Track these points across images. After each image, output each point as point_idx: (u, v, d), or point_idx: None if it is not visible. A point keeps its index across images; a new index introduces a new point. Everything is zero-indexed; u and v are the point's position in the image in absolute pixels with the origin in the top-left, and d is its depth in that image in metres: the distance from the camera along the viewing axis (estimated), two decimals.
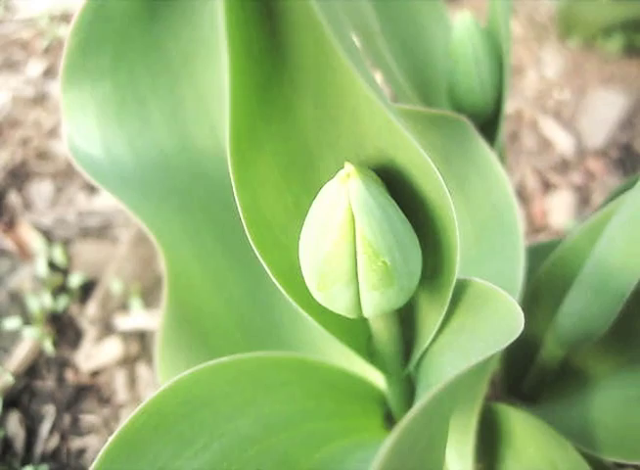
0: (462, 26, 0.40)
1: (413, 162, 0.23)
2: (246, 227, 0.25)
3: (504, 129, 0.43)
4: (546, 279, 0.43)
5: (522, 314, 0.24)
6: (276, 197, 0.26)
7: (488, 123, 0.43)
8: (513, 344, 0.45)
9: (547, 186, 0.84)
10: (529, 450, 0.40)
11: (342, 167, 0.23)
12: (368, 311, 0.26)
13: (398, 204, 0.24)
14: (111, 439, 0.25)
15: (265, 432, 0.30)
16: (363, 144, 0.24)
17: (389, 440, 0.18)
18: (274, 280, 0.27)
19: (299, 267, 0.27)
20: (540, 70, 0.98)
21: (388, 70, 0.42)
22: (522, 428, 0.41)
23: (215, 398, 0.29)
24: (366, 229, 0.22)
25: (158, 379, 0.65)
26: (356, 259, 0.23)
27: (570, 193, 0.83)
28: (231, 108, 0.21)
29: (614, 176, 0.85)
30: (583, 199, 0.83)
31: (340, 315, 0.31)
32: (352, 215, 0.22)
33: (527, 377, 0.46)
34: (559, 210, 0.81)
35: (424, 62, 0.47)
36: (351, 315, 0.27)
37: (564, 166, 0.87)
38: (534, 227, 0.79)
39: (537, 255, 0.44)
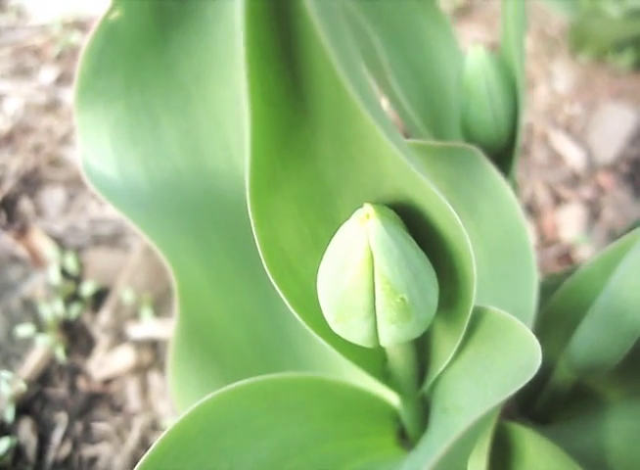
0: (475, 60, 0.40)
1: (430, 201, 0.23)
2: (263, 259, 0.26)
3: (517, 158, 0.44)
4: (560, 305, 0.43)
5: (539, 348, 0.25)
6: (294, 231, 0.26)
7: (502, 154, 0.44)
8: None
9: (558, 200, 0.85)
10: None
11: (360, 204, 0.23)
12: (385, 342, 0.27)
13: (415, 239, 0.25)
14: (137, 467, 0.25)
15: (283, 456, 0.30)
16: (381, 182, 0.24)
17: None
18: (291, 309, 0.28)
19: (315, 297, 0.28)
20: (551, 85, 0.99)
21: (396, 99, 0.43)
22: (533, 448, 0.41)
23: (234, 423, 0.30)
24: (384, 268, 0.23)
25: (170, 388, 0.66)
26: (374, 295, 0.24)
27: (580, 207, 0.83)
28: (251, 150, 0.22)
29: (623, 191, 0.85)
30: (594, 213, 0.83)
31: (354, 344, 0.31)
32: (371, 254, 0.22)
33: (540, 398, 0.46)
34: (569, 224, 0.82)
35: (434, 89, 0.47)
36: (368, 345, 0.27)
37: (574, 181, 0.87)
38: (545, 241, 0.80)
39: (555, 283, 0.44)
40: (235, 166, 0.41)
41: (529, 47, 1.04)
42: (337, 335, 0.29)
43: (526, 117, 0.94)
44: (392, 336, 0.26)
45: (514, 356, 0.26)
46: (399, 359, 0.32)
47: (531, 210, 0.83)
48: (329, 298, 0.25)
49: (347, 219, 0.24)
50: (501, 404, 0.40)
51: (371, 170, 0.24)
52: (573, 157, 0.89)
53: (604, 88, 0.97)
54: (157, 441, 0.27)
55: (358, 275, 0.23)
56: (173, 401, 0.42)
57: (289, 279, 0.27)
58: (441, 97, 0.46)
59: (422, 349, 0.34)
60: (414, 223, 0.25)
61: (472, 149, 0.37)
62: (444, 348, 0.32)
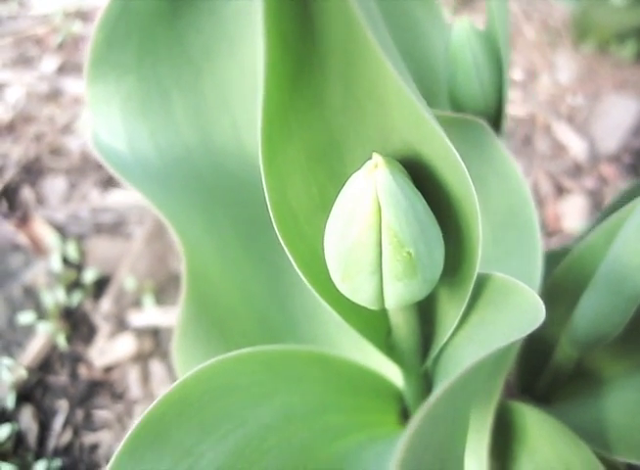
0: (460, 31, 0.41)
1: (439, 154, 0.23)
2: (273, 217, 0.26)
3: (505, 130, 0.44)
4: (560, 281, 0.43)
5: (542, 304, 0.25)
6: (303, 187, 0.26)
7: (490, 125, 0.44)
8: (528, 345, 0.45)
9: (560, 190, 0.85)
10: (543, 449, 0.40)
11: (369, 159, 0.23)
12: (390, 303, 0.26)
13: (422, 196, 0.25)
14: (136, 423, 0.25)
15: (285, 422, 0.30)
16: (390, 136, 0.24)
17: (413, 423, 0.19)
18: (298, 270, 0.27)
19: (322, 259, 0.27)
20: (554, 75, 0.99)
21: None
22: (536, 426, 0.41)
23: (237, 387, 0.30)
24: (392, 219, 0.22)
25: (171, 375, 0.66)
26: (381, 250, 0.24)
27: (583, 197, 0.83)
28: (264, 97, 0.22)
29: (626, 182, 0.85)
30: (596, 203, 0.83)
31: (360, 309, 0.31)
32: (379, 206, 0.22)
33: (541, 378, 0.46)
34: (572, 214, 0.81)
35: (424, 68, 0.47)
36: (373, 307, 0.27)
37: (577, 171, 0.87)
38: (548, 231, 0.80)
39: (551, 260, 0.44)
40: (242, 144, 0.41)
41: (532, 38, 1.04)
42: (342, 300, 0.29)
43: (529, 108, 0.94)
44: (398, 295, 0.26)
45: (519, 316, 0.26)
46: (403, 328, 0.32)
47: (534, 199, 0.83)
48: (336, 254, 0.25)
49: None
50: (503, 375, 0.40)
51: (379, 122, 0.24)
52: (576, 147, 0.89)
53: (607, 79, 0.97)
54: (160, 396, 0.26)
55: (365, 227, 0.23)
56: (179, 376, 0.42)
57: (296, 239, 0.27)
58: (431, 74, 0.46)
59: (425, 321, 0.34)
60: (420, 180, 0.25)
61: (481, 123, 0.36)
62: (448, 317, 0.32)
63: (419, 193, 0.24)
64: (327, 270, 0.28)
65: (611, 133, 0.90)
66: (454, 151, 0.22)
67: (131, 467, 0.25)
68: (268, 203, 0.25)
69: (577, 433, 0.39)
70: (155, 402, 0.26)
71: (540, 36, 1.04)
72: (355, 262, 0.24)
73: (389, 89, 0.21)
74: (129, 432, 0.25)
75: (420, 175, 0.25)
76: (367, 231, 0.23)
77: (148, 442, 0.25)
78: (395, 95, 0.21)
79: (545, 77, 0.98)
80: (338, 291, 0.28)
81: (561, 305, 0.43)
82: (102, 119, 0.38)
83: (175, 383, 0.28)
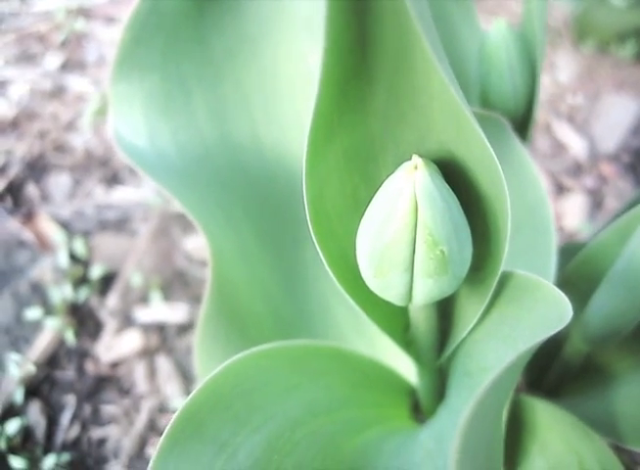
0: (497, 32, 0.41)
1: (475, 155, 0.24)
2: (309, 216, 0.26)
3: (532, 134, 0.44)
4: (572, 277, 0.44)
5: (568, 302, 0.25)
6: (338, 188, 0.27)
7: (518, 126, 0.44)
8: None
9: (560, 189, 0.85)
10: (555, 442, 0.40)
11: (402, 162, 0.24)
12: (419, 299, 0.27)
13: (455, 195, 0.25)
14: (175, 416, 0.26)
15: (311, 416, 0.31)
16: (426, 138, 0.25)
17: (469, 408, 0.19)
18: (327, 268, 0.28)
19: (349, 258, 0.28)
20: (554, 75, 0.99)
21: None
22: (546, 419, 0.42)
23: (264, 382, 0.30)
24: (428, 219, 0.23)
25: (177, 371, 0.66)
26: (414, 248, 0.24)
27: (583, 196, 0.84)
28: (317, 103, 0.22)
29: (625, 181, 0.86)
30: (596, 202, 0.84)
31: (382, 306, 0.32)
32: (416, 205, 0.23)
33: (550, 372, 0.47)
34: (572, 213, 0.82)
35: (457, 67, 0.48)
36: (401, 303, 0.28)
37: (577, 170, 0.88)
38: None
39: (560, 256, 0.45)
40: (260, 143, 0.42)
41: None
42: (366, 297, 0.30)
43: None
44: (427, 292, 0.26)
45: (542, 312, 0.27)
46: (423, 324, 0.33)
47: None
48: (370, 251, 0.25)
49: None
50: (520, 369, 0.40)
51: (417, 125, 0.24)
52: (576, 146, 0.90)
53: (606, 79, 0.98)
54: (193, 392, 0.27)
55: (402, 226, 0.23)
56: (198, 370, 0.43)
57: (328, 238, 0.28)
58: (463, 72, 0.47)
59: (443, 317, 0.35)
60: (453, 178, 0.26)
61: (501, 120, 0.37)
62: (468, 313, 0.32)
63: (453, 194, 0.25)
64: (353, 269, 0.28)
65: (610, 133, 0.91)
66: (493, 153, 0.23)
67: (176, 456, 0.25)
68: (306, 202, 0.26)
69: (586, 423, 0.40)
70: (189, 397, 0.27)
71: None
72: (389, 259, 0.25)
73: (435, 92, 0.22)
74: (169, 425, 0.26)
75: (452, 174, 0.26)
76: (403, 229, 0.24)
77: (189, 432, 0.26)
78: (440, 98, 0.22)
79: (545, 77, 0.99)
80: (362, 288, 0.29)
81: (572, 301, 0.44)
82: (124, 117, 0.38)
83: (206, 378, 0.28)
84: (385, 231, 0.24)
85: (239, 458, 0.26)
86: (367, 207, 0.25)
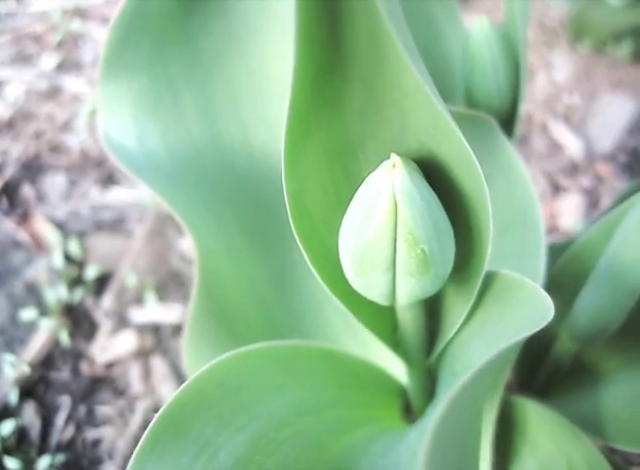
0: (479, 30, 0.42)
1: (454, 154, 0.24)
2: (290, 215, 0.26)
3: (517, 131, 0.44)
4: (559, 276, 0.44)
5: (551, 302, 0.25)
6: (319, 187, 0.27)
7: (503, 124, 0.44)
8: (526, 339, 0.46)
9: (557, 189, 0.85)
10: (545, 442, 0.40)
11: (383, 159, 0.24)
12: (402, 299, 0.27)
13: (435, 194, 0.25)
14: (157, 415, 0.26)
15: (296, 415, 0.31)
16: (405, 137, 0.25)
17: (440, 409, 0.19)
18: (311, 267, 0.28)
19: (333, 257, 0.28)
20: (550, 75, 0.99)
21: None
22: (536, 420, 0.42)
23: (250, 381, 0.30)
24: (408, 218, 0.23)
25: (173, 371, 0.66)
26: (396, 247, 0.24)
27: (579, 196, 0.84)
28: (291, 100, 0.22)
29: (621, 180, 0.86)
30: (592, 202, 0.84)
31: (368, 305, 0.32)
32: (396, 204, 0.23)
33: (539, 372, 0.47)
34: (568, 212, 0.82)
35: (441, 67, 0.48)
36: (385, 302, 0.28)
37: (573, 170, 0.88)
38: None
39: (551, 254, 0.45)
40: (249, 143, 0.42)
41: (529, 37, 1.04)
42: (352, 297, 0.30)
43: (526, 107, 0.95)
44: (410, 291, 0.26)
45: (525, 311, 0.27)
46: (410, 324, 0.33)
47: None
48: (351, 250, 0.25)
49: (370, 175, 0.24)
50: (508, 370, 0.40)
51: (396, 123, 0.24)
52: (572, 146, 0.90)
53: (603, 78, 0.98)
54: (177, 391, 0.27)
55: (382, 224, 0.23)
56: (187, 370, 0.43)
57: (311, 237, 0.28)
58: (447, 72, 0.47)
59: (431, 317, 0.35)
60: (433, 178, 0.26)
61: (489, 119, 0.37)
62: (454, 313, 0.32)
63: (433, 192, 0.25)
64: (338, 268, 0.28)
65: (607, 132, 0.91)
66: (470, 152, 0.23)
67: (155, 457, 0.25)
68: (287, 202, 0.26)
69: (575, 422, 0.40)
70: (173, 396, 0.27)
71: (537, 36, 1.05)
72: (371, 259, 0.25)
73: (410, 91, 0.22)
74: (151, 424, 0.26)
75: (433, 173, 0.26)
76: (384, 228, 0.24)
77: (169, 433, 0.26)
78: (415, 97, 0.22)
79: (542, 77, 0.99)
80: (348, 287, 0.29)
81: (559, 300, 0.44)
82: (113, 118, 0.38)
83: (191, 377, 0.28)
84: (365, 230, 0.24)
85: (219, 458, 0.26)
86: (349, 204, 0.25)
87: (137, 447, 0.25)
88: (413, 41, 0.22)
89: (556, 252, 0.46)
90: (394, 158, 0.23)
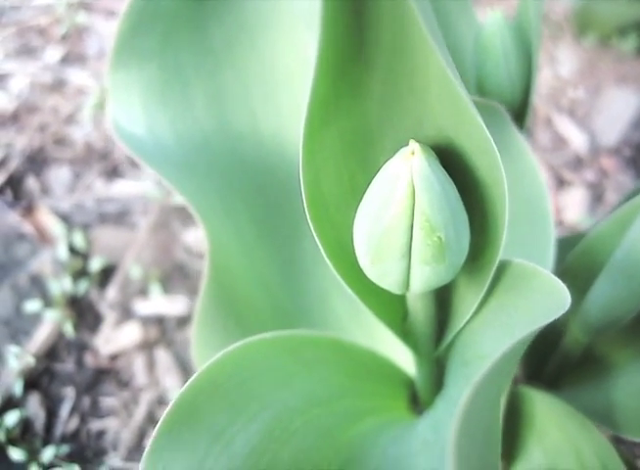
0: (493, 22, 0.42)
1: (474, 141, 0.24)
2: (306, 204, 0.26)
3: (528, 122, 0.44)
4: (571, 268, 0.43)
5: (567, 290, 0.25)
6: (335, 175, 0.27)
7: (514, 116, 0.44)
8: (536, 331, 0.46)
9: (561, 183, 0.85)
10: (552, 433, 0.40)
11: (400, 148, 0.24)
12: (416, 287, 0.27)
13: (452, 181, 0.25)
14: (170, 404, 0.26)
15: (307, 405, 0.31)
16: (423, 125, 0.25)
17: (467, 395, 0.19)
18: (325, 256, 0.28)
19: (346, 246, 0.28)
20: (555, 69, 0.99)
21: None
22: (544, 410, 0.42)
23: (261, 371, 0.30)
24: (425, 204, 0.23)
25: (177, 363, 0.66)
26: (412, 235, 0.24)
27: (583, 190, 0.84)
28: (312, 88, 0.22)
29: (626, 175, 0.86)
30: (597, 196, 0.84)
31: (379, 294, 0.32)
32: (413, 191, 0.23)
33: (549, 364, 0.47)
34: (572, 206, 0.82)
35: (454, 58, 0.48)
36: (398, 291, 0.28)
37: (577, 164, 0.87)
38: None
39: (558, 248, 0.45)
40: (259, 133, 0.42)
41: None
42: (363, 286, 0.30)
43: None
44: (425, 279, 0.26)
45: (540, 300, 0.27)
46: (420, 314, 0.33)
47: None
48: (367, 237, 0.25)
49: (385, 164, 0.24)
50: (518, 359, 0.40)
51: (415, 110, 0.24)
52: (577, 140, 0.90)
53: (608, 72, 0.98)
54: (189, 381, 0.27)
55: (400, 211, 0.23)
56: (196, 361, 0.43)
57: (325, 225, 0.28)
58: (460, 64, 0.47)
59: (441, 306, 0.35)
60: (451, 165, 0.26)
61: (500, 108, 0.37)
62: (466, 302, 0.32)
63: (451, 180, 0.25)
64: (350, 257, 0.28)
65: (611, 126, 0.91)
66: (491, 139, 0.23)
67: (170, 447, 0.25)
68: (303, 190, 0.26)
69: (584, 413, 0.40)
70: (185, 386, 0.27)
71: (541, 30, 1.04)
72: (386, 246, 0.25)
73: (432, 75, 0.22)
74: (164, 414, 0.26)
75: (450, 160, 0.26)
76: (401, 215, 0.23)
77: (183, 423, 0.26)
78: (438, 82, 0.22)
79: (546, 70, 0.99)
80: (360, 276, 0.29)
81: (571, 292, 0.44)
82: (123, 106, 0.38)
83: (203, 366, 0.28)
84: (382, 217, 0.24)
85: (235, 447, 0.26)
86: (364, 194, 0.25)
87: (153, 435, 0.25)
88: (437, 27, 0.22)
89: (563, 245, 0.46)
90: (413, 144, 0.23)
